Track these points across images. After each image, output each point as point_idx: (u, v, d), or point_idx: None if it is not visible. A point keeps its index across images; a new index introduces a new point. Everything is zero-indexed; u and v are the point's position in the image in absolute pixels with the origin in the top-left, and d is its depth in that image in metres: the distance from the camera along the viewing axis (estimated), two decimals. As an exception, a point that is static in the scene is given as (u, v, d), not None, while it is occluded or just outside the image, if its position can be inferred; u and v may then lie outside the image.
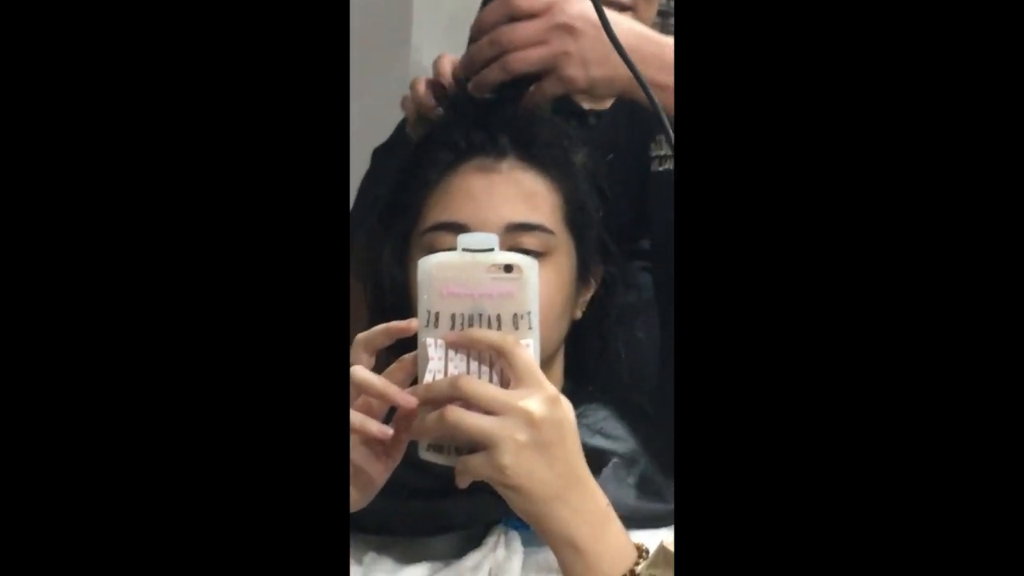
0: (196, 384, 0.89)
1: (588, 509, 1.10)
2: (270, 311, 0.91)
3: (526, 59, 1.29)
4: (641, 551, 1.10)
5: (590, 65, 1.29)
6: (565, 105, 1.45)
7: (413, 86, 1.37)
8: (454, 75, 1.35)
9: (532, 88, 1.32)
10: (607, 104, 1.52)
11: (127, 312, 0.90)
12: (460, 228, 1.27)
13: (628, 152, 1.47)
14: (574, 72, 1.29)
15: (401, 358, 1.12)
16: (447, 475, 1.12)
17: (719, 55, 0.90)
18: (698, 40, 0.91)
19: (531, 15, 1.29)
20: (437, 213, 1.30)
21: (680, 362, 0.90)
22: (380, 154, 1.59)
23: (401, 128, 1.49)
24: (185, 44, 0.91)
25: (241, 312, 0.90)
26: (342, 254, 0.94)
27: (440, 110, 1.36)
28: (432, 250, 1.23)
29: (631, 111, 1.40)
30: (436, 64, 1.36)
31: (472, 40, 1.33)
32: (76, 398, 0.88)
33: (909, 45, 0.88)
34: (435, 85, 1.36)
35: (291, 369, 0.91)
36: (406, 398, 1.09)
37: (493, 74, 1.30)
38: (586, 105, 1.54)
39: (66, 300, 0.89)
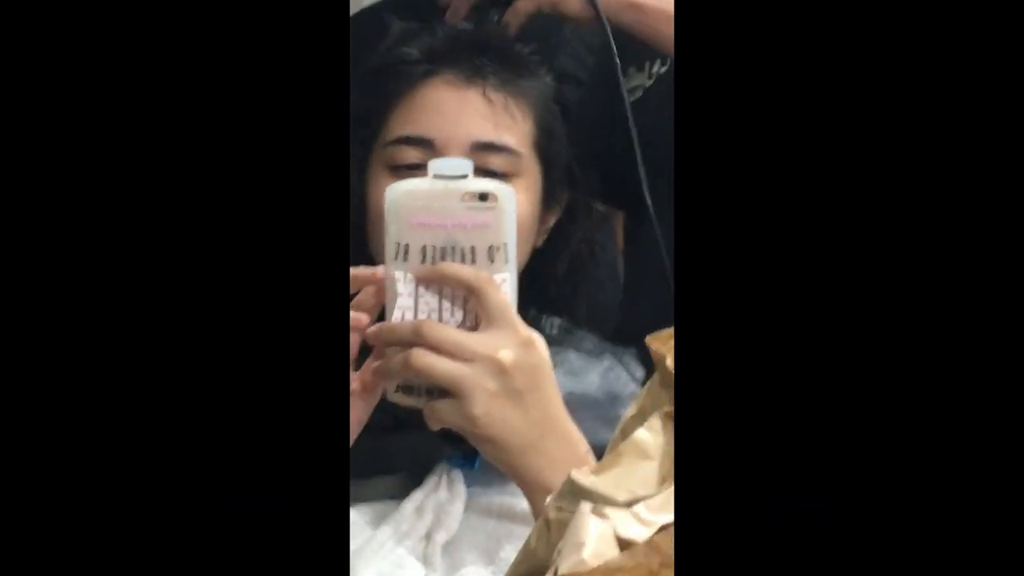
0: (191, 378, 0.89)
1: (565, 457, 1.02)
2: (269, 310, 0.91)
3: None
4: None
5: None
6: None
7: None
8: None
9: (509, 8, 1.27)
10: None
11: (127, 313, 0.90)
12: (425, 143, 1.20)
13: (598, 87, 1.40)
14: None
15: (366, 288, 1.04)
16: (389, 411, 1.06)
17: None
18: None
19: None
20: (401, 126, 1.23)
21: (680, 356, 0.89)
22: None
23: None
24: (184, 43, 0.91)
25: (240, 310, 0.90)
26: (342, 254, 0.94)
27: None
28: (393, 165, 1.18)
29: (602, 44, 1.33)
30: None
31: None
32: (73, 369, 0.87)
33: (910, 34, 0.88)
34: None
35: (290, 370, 0.90)
36: (369, 334, 1.03)
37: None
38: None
39: (58, 277, 0.88)
